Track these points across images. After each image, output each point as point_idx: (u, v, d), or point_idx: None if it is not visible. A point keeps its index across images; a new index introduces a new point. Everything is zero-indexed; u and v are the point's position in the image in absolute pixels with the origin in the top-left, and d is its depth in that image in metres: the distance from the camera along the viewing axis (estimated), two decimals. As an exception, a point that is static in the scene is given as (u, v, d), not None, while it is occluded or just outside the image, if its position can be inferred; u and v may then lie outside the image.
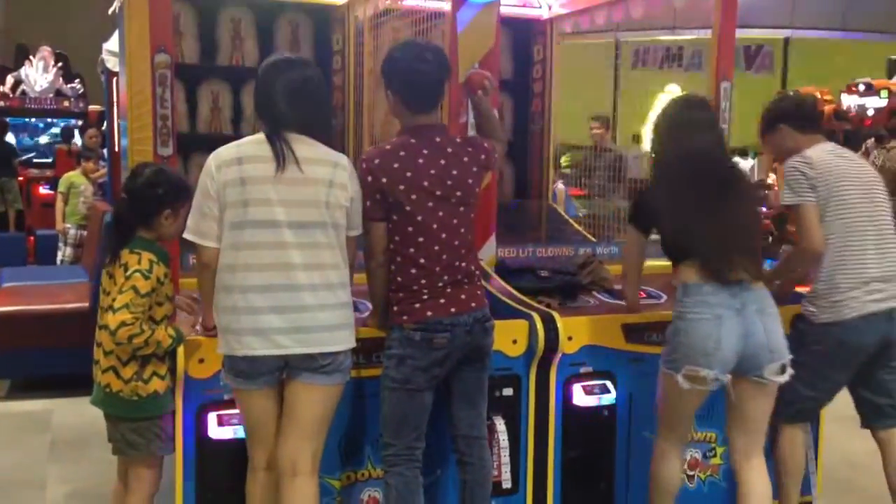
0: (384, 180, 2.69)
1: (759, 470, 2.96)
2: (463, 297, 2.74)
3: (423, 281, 2.71)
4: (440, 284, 2.71)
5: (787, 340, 2.87)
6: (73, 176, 8.10)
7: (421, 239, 2.71)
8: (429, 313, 2.69)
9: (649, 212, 2.99)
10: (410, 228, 2.71)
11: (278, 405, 2.64)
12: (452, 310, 2.71)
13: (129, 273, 2.64)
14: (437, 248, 2.72)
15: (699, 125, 2.95)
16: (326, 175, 2.60)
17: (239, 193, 2.51)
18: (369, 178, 2.71)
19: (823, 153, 3.15)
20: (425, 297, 2.70)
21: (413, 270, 2.71)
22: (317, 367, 2.58)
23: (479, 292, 2.82)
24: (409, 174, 2.70)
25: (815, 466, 3.50)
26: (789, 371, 2.84)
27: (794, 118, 3.28)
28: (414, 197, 2.69)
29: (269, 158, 2.53)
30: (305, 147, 2.58)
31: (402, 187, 2.69)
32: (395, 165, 2.70)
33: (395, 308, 2.75)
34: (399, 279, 2.74)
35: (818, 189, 3.06)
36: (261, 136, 2.58)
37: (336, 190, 2.60)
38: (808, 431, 3.38)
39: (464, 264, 2.77)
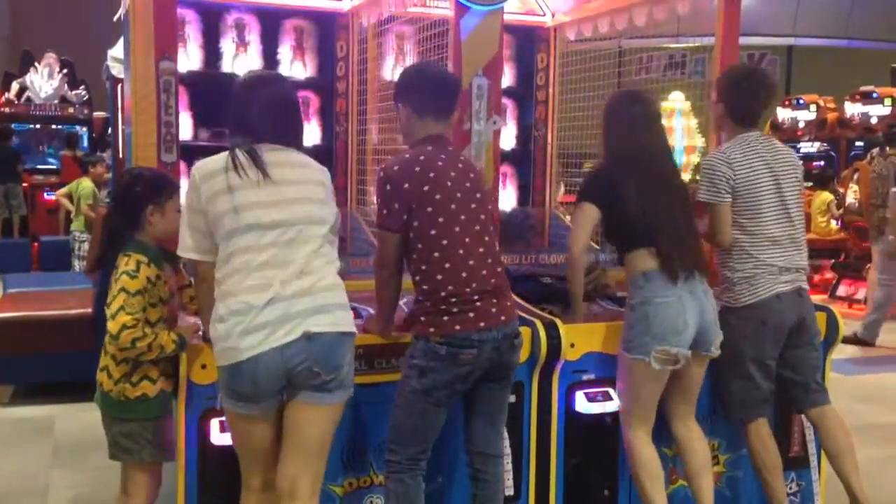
0: (406, 185, 2.69)
1: (697, 433, 3.17)
2: (493, 310, 2.70)
3: (451, 287, 2.66)
4: (468, 290, 2.67)
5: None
6: (90, 185, 8.22)
7: (445, 242, 2.69)
8: (457, 327, 2.65)
9: (606, 190, 3.06)
10: (434, 231, 2.69)
11: (278, 429, 2.56)
12: (482, 324, 2.66)
13: (117, 275, 2.64)
14: (461, 251, 2.69)
15: (644, 120, 3.08)
16: (316, 176, 2.62)
17: (229, 201, 2.48)
18: (388, 187, 2.71)
19: (743, 150, 3.23)
20: (455, 309, 2.65)
21: (439, 276, 2.67)
22: (320, 385, 2.49)
23: (508, 304, 2.78)
24: (431, 174, 2.70)
25: (819, 460, 3.53)
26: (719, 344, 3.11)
27: (733, 106, 3.30)
28: (438, 197, 2.69)
29: (252, 165, 2.52)
30: (284, 154, 2.58)
31: (426, 188, 2.69)
32: (417, 169, 2.71)
33: (423, 319, 2.70)
34: (425, 287, 2.70)
35: (735, 186, 3.19)
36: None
37: (329, 192, 2.64)
38: (801, 422, 3.50)
39: (491, 274, 2.73)
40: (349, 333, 2.55)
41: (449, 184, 2.71)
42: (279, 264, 2.48)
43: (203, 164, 2.55)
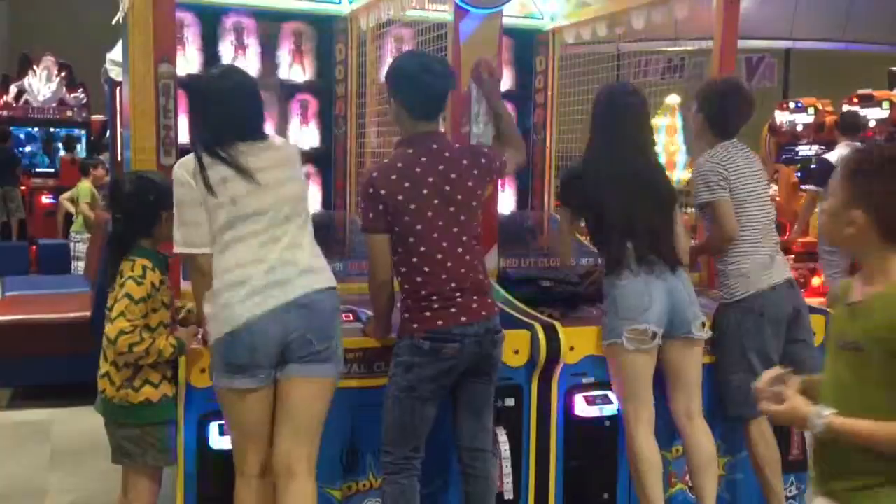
0: (383, 192, 2.72)
1: (703, 429, 3.17)
2: (474, 306, 2.75)
3: (431, 288, 2.71)
4: (448, 289, 2.71)
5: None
6: (89, 185, 8.22)
7: (423, 248, 2.72)
8: (439, 322, 2.70)
9: (576, 191, 3.21)
10: (412, 239, 2.73)
11: (271, 408, 2.61)
12: (463, 319, 2.71)
13: (122, 280, 2.65)
14: (439, 256, 2.73)
15: (631, 113, 3.16)
16: (284, 154, 2.70)
17: (225, 192, 2.56)
18: (370, 191, 2.74)
19: (729, 153, 3.32)
20: (436, 305, 2.71)
21: (419, 279, 2.73)
22: (312, 354, 2.55)
23: (489, 300, 2.83)
24: (406, 184, 2.73)
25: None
26: (707, 329, 3.18)
27: (713, 119, 3.37)
28: (413, 206, 2.72)
29: (230, 160, 2.60)
30: (254, 145, 2.63)
31: (400, 197, 2.72)
32: (393, 177, 2.73)
33: (406, 316, 2.75)
34: (406, 286, 2.76)
35: (730, 185, 3.27)
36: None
37: (295, 160, 2.74)
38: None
39: (470, 273, 2.77)
40: (334, 288, 2.66)
41: (425, 191, 2.74)
42: (276, 241, 2.58)
43: (187, 162, 2.61)
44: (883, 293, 1.76)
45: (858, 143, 7.36)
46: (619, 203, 3.09)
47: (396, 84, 2.83)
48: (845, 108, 11.79)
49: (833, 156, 7.19)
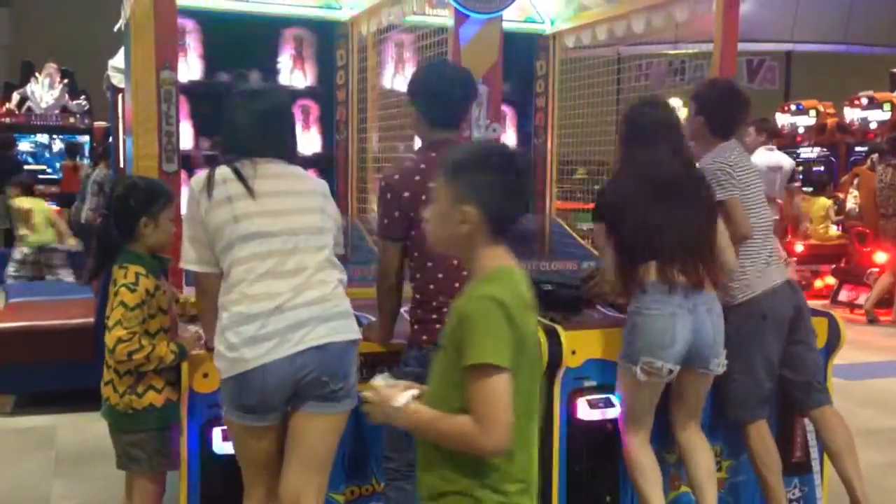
0: (406, 195, 2.69)
1: (700, 442, 3.17)
2: None
3: (442, 298, 2.68)
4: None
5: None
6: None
7: (439, 252, 2.71)
8: None
9: (609, 207, 3.10)
10: (429, 242, 2.71)
11: (281, 440, 2.55)
12: None
13: (116, 289, 2.64)
14: (455, 262, 2.70)
15: (662, 125, 3.08)
16: (315, 186, 2.64)
17: (229, 211, 2.48)
18: (388, 196, 2.71)
19: (737, 156, 3.30)
20: (447, 316, 2.68)
21: (431, 286, 2.71)
22: (328, 394, 2.48)
23: None
24: (431, 184, 2.71)
25: (821, 465, 3.53)
26: (724, 361, 3.08)
27: (714, 121, 3.32)
28: None
29: (249, 178, 2.52)
30: (281, 166, 2.58)
31: (424, 198, 2.69)
32: (417, 178, 2.70)
33: (416, 327, 2.73)
34: (417, 296, 2.74)
35: (739, 187, 3.24)
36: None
37: (330, 203, 2.66)
38: (803, 424, 3.51)
39: None
40: (356, 341, 2.57)
41: None
42: (285, 274, 2.47)
43: (201, 176, 2.55)
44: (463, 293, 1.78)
45: (774, 147, 7.63)
46: (656, 223, 2.94)
47: (417, 95, 2.83)
48: (846, 109, 11.82)
49: (755, 157, 7.34)
